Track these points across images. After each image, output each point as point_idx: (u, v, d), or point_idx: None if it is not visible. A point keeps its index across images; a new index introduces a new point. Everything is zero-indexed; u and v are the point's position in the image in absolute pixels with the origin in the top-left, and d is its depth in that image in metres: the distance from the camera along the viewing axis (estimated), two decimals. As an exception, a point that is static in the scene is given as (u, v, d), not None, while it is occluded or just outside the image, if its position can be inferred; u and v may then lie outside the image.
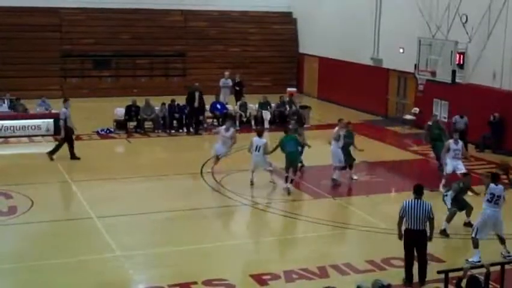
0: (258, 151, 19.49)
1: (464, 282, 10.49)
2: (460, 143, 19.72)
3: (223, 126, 21.70)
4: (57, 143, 23.21)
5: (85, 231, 16.20)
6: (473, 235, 14.38)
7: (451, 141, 19.71)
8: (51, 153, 22.65)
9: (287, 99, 30.53)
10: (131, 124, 27.71)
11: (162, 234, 16.17)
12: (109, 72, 36.45)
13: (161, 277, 13.61)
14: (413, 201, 13.24)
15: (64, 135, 22.72)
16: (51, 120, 26.35)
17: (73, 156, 22.65)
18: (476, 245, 14.28)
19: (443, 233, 15.88)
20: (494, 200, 14.42)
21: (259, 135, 19.98)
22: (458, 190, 16.10)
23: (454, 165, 19.33)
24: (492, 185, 14.54)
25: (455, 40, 24.60)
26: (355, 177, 20.91)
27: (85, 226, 16.53)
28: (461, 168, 19.02)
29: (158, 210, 17.59)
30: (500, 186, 14.63)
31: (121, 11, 36.77)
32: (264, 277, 13.55)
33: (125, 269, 14.02)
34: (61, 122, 22.83)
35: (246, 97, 30.25)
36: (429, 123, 22.02)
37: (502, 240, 14.63)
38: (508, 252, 14.66)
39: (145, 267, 14.46)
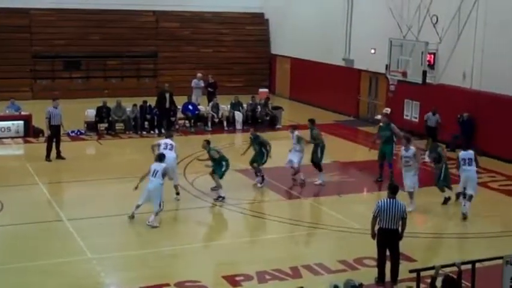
0: (154, 176, 16.82)
1: (438, 281, 10.54)
2: (411, 150, 18.22)
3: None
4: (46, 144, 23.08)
5: (56, 234, 16.05)
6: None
7: (402, 147, 18.56)
8: (46, 158, 22.62)
9: (262, 101, 30.50)
10: (102, 125, 27.50)
11: (134, 236, 16.10)
12: (80, 73, 36.11)
13: (133, 279, 13.52)
14: (388, 200, 13.29)
15: (49, 134, 22.77)
16: (21, 122, 26.12)
17: (58, 156, 22.84)
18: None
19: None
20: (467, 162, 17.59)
21: (160, 159, 17.22)
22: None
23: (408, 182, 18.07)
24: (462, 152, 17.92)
25: (426, 41, 24.75)
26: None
27: (56, 229, 16.37)
28: (410, 186, 17.94)
29: (130, 212, 17.45)
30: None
31: (92, 12, 36.45)
32: (237, 278, 13.54)
33: (97, 271, 13.90)
34: (46, 121, 22.83)
35: (218, 98, 30.19)
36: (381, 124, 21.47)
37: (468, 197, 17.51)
38: (465, 210, 17.41)
39: (116, 269, 14.37)
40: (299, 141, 20.41)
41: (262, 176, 20.03)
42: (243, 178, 20.79)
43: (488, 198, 19.74)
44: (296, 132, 20.68)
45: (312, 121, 20.92)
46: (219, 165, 18.65)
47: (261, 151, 20.05)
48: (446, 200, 18.74)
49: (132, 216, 16.70)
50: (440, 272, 10.90)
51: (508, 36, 23.80)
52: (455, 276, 10.67)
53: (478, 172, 18.33)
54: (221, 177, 18.67)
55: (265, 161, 20.15)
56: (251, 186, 20.12)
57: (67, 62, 35.79)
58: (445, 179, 18.83)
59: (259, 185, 20.00)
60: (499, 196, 20.01)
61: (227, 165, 18.75)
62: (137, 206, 16.69)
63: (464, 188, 17.62)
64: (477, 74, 25.09)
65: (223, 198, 18.59)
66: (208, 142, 19.00)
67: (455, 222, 17.67)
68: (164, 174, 16.75)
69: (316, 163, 20.55)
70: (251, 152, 20.52)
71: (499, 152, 23.92)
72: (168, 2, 37.20)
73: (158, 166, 16.82)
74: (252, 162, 20.26)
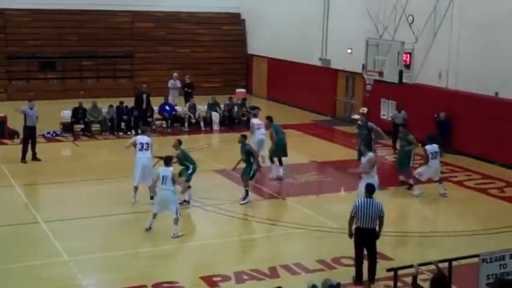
0: (165, 184, 16.00)
1: (418, 279, 10.56)
2: (367, 156, 17.54)
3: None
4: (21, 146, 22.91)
5: (32, 236, 15.91)
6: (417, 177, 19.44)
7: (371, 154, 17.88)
8: (22, 159, 22.44)
9: (239, 101, 30.49)
10: (78, 127, 27.34)
11: (111, 238, 15.96)
12: (55, 74, 35.88)
13: (110, 281, 13.46)
14: (365, 200, 13.34)
15: (23, 135, 22.68)
16: (-5, 123, 25.92)
17: (34, 157, 22.65)
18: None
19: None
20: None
21: (167, 163, 16.40)
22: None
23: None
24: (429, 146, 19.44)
25: (402, 40, 24.89)
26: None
27: (32, 231, 16.23)
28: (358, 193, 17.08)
29: (107, 214, 17.36)
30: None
31: (68, 12, 36.19)
32: (215, 279, 13.50)
33: (74, 273, 13.79)
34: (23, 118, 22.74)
35: (195, 98, 30.14)
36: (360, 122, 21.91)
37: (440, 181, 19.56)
38: (445, 190, 19.39)
39: (94, 271, 14.27)
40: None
41: (247, 191, 18.54)
42: (221, 179, 20.77)
43: (464, 197, 19.90)
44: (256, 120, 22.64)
45: (269, 118, 21.58)
46: (186, 168, 18.37)
47: (249, 161, 18.51)
48: (411, 186, 19.77)
49: (149, 228, 16.03)
50: (419, 270, 10.92)
51: (483, 36, 23.98)
52: (444, 273, 10.68)
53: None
54: (187, 180, 18.23)
55: (253, 175, 18.62)
56: (229, 187, 20.08)
57: (43, 62, 35.54)
58: (409, 163, 20.08)
59: (241, 201, 18.47)
60: (475, 194, 20.15)
61: (193, 169, 18.28)
62: (154, 215, 16.04)
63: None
64: (453, 74, 25.27)
65: (188, 202, 18.21)
66: (179, 142, 18.55)
67: (431, 221, 17.78)
68: (173, 179, 15.86)
69: (278, 158, 21.06)
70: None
71: (475, 150, 24.10)
72: (143, 2, 37.05)
73: (166, 171, 15.91)
74: (242, 174, 18.75)
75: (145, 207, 17.56)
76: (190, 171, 18.27)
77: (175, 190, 16.12)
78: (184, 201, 18.15)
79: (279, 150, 21.00)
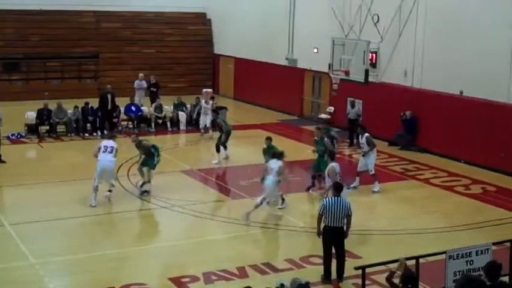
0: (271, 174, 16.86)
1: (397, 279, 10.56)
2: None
3: None
4: None
5: (-3, 239, 15.72)
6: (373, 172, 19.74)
7: (334, 164, 17.35)
8: None
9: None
10: (43, 128, 27.07)
11: (78, 240, 15.81)
12: (19, 75, 35.50)
13: (78, 284, 13.34)
14: (333, 199, 13.38)
15: None
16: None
17: None
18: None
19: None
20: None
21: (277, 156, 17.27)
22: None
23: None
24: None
25: (368, 40, 25.03)
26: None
27: (-3, 234, 16.03)
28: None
29: (74, 216, 17.19)
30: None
31: (31, 13, 35.79)
32: (183, 280, 13.44)
33: (40, 276, 13.64)
34: None
35: (161, 98, 30.00)
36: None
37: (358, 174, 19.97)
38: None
39: (61, 274, 14.12)
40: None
41: (283, 199, 18.11)
42: (188, 179, 20.68)
43: (430, 195, 20.06)
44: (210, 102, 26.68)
45: (216, 112, 24.63)
46: (150, 157, 18.83)
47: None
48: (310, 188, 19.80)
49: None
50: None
51: (447, 35, 24.22)
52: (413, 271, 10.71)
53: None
54: (154, 168, 18.93)
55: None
56: (196, 187, 20.00)
57: (6, 63, 35.12)
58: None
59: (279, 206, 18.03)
60: (441, 192, 20.33)
61: (158, 154, 18.97)
62: (267, 203, 17.24)
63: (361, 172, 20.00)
64: (418, 72, 25.49)
65: (148, 192, 18.82)
66: (137, 135, 19.21)
67: (398, 219, 17.87)
68: (279, 173, 16.97)
69: (217, 145, 22.77)
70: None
71: (441, 148, 24.33)
72: (108, 2, 36.78)
73: (276, 164, 17.15)
74: None
75: (113, 208, 17.43)
76: (156, 160, 18.90)
77: (277, 181, 17.03)
78: (145, 191, 18.72)
79: (227, 138, 22.72)
